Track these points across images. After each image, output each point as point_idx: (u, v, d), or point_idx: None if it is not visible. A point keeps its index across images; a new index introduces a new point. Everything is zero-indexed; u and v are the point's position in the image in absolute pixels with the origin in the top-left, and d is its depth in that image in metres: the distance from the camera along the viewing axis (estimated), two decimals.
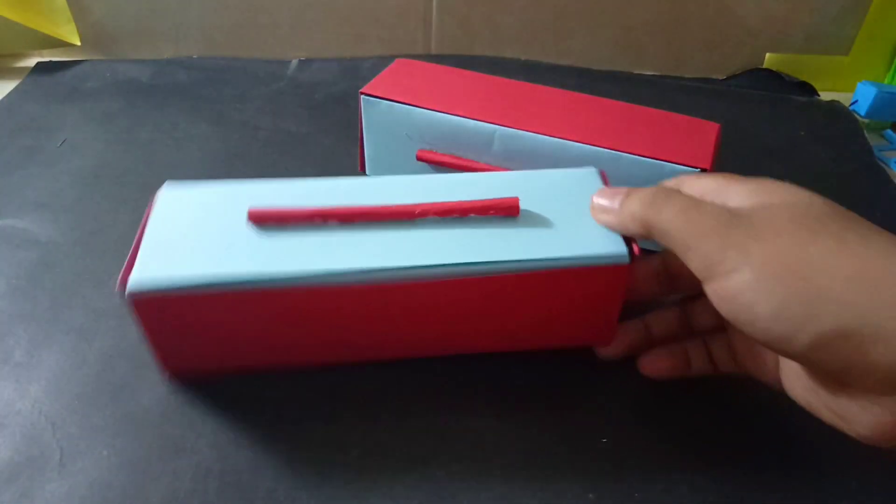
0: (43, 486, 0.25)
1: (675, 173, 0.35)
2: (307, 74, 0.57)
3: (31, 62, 0.57)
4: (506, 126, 0.37)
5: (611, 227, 0.26)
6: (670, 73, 0.60)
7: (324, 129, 0.49)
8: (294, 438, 0.27)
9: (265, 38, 0.59)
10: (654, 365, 0.29)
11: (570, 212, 0.27)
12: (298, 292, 0.25)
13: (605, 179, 0.30)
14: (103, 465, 0.26)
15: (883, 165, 0.48)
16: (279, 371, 0.29)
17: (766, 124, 0.52)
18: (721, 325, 0.29)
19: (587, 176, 0.30)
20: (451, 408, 0.29)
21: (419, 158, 0.40)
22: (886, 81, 0.59)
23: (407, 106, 0.39)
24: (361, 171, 0.44)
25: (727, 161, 0.47)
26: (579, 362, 0.31)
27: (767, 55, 0.59)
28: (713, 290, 0.22)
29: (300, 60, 0.59)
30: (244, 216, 0.27)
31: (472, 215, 0.27)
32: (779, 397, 0.30)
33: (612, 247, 0.26)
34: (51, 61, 0.57)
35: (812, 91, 0.58)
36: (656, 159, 0.35)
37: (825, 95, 0.57)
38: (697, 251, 0.22)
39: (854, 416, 0.21)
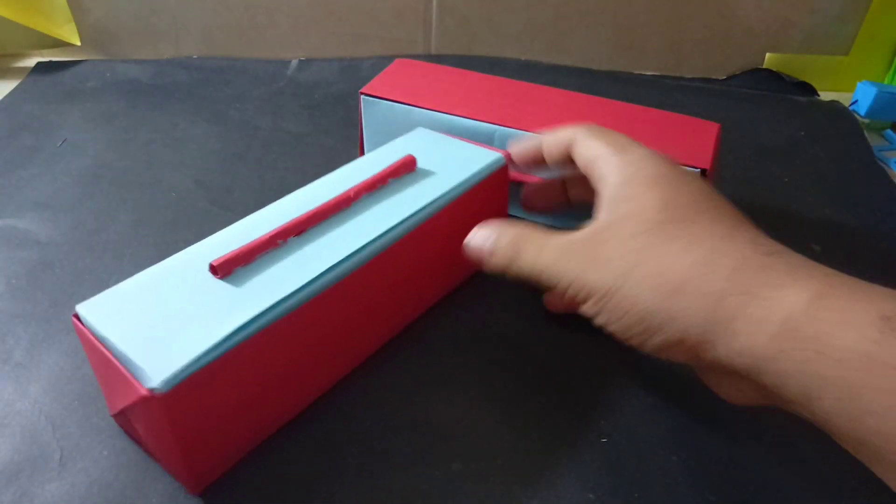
0: (43, 485, 0.25)
1: None
2: (307, 74, 0.57)
3: (32, 62, 0.58)
4: (505, 126, 0.37)
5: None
6: (670, 72, 0.60)
7: (324, 129, 0.49)
8: (294, 438, 0.27)
9: (265, 38, 0.59)
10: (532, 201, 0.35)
11: (444, 154, 0.33)
12: (300, 313, 0.25)
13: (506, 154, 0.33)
14: (103, 465, 0.26)
15: (883, 165, 0.48)
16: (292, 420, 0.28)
17: (766, 124, 0.52)
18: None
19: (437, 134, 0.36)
20: (450, 407, 0.29)
21: None
22: (886, 81, 0.59)
23: (407, 106, 0.39)
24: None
25: (727, 161, 0.47)
26: (580, 362, 0.31)
27: (767, 55, 0.59)
28: (583, 311, 0.25)
29: (300, 60, 0.59)
30: (205, 275, 0.25)
31: (389, 179, 0.31)
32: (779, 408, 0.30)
33: (489, 158, 0.33)
34: (51, 61, 0.57)
35: (812, 91, 0.58)
36: None
37: (825, 95, 0.57)
38: (561, 285, 0.25)
39: (723, 388, 0.24)
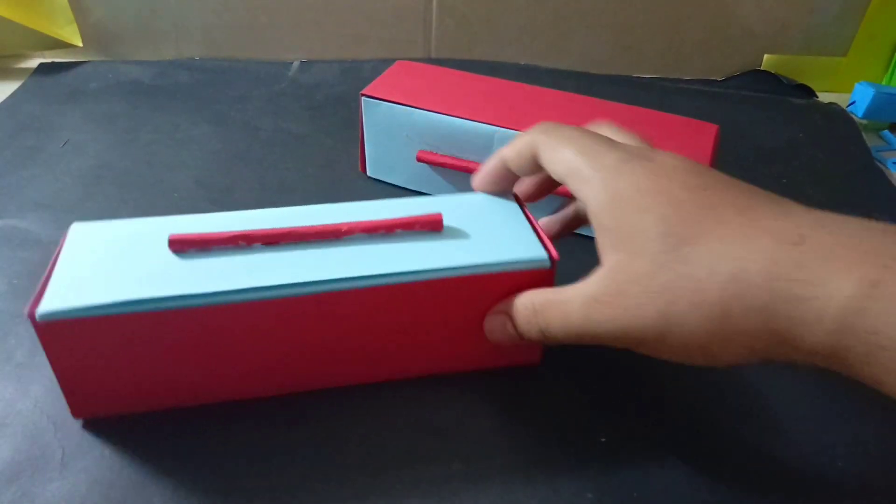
0: (44, 485, 0.25)
1: None
2: (308, 76, 0.57)
3: (34, 63, 0.58)
4: (505, 127, 0.37)
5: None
6: (669, 74, 0.60)
7: (324, 131, 0.49)
8: (294, 437, 0.27)
9: (266, 39, 0.59)
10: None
11: (490, 227, 0.28)
12: (222, 311, 0.24)
13: (522, 204, 0.30)
14: (104, 465, 0.26)
15: (881, 166, 0.48)
16: (195, 408, 0.28)
17: (765, 126, 0.52)
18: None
19: (503, 200, 0.30)
20: (450, 408, 0.29)
21: (419, 160, 0.40)
22: (884, 82, 0.59)
23: (407, 107, 0.39)
24: (362, 172, 0.45)
25: (726, 163, 0.47)
26: (579, 361, 0.31)
27: (766, 56, 0.59)
28: (639, 351, 0.24)
29: (301, 62, 0.59)
30: (164, 245, 0.26)
31: (398, 231, 0.27)
32: (779, 397, 0.30)
33: (532, 252, 0.27)
34: (53, 62, 0.58)
35: (810, 93, 0.58)
36: None
37: (823, 96, 0.57)
38: (606, 342, 0.24)
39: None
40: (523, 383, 0.30)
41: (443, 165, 0.40)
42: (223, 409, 0.28)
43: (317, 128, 0.50)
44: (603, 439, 0.28)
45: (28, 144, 0.46)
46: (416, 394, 0.29)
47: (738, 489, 0.26)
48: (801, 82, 0.58)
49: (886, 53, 0.59)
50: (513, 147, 0.28)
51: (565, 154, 0.25)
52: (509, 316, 0.26)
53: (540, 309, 0.25)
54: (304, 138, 0.48)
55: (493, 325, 0.27)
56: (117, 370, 0.26)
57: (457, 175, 0.40)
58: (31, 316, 0.23)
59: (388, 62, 0.45)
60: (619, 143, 0.26)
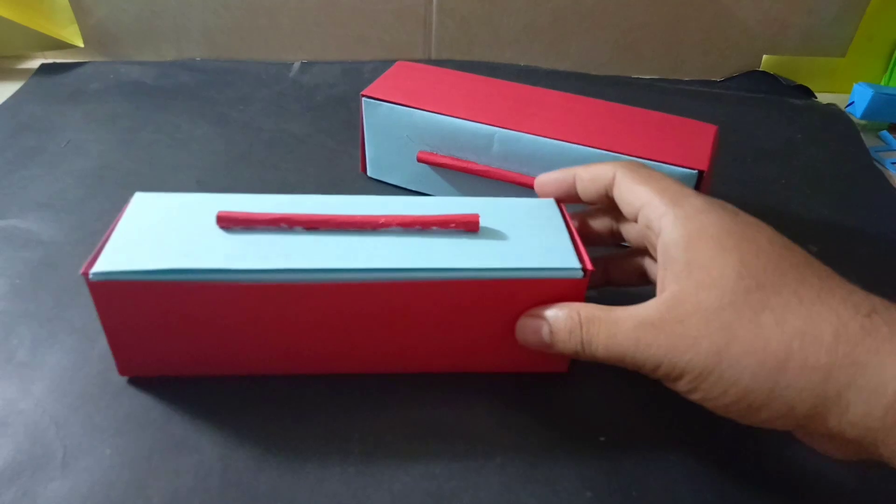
0: (45, 484, 0.25)
1: (673, 175, 0.35)
2: (309, 76, 0.57)
3: (35, 64, 0.58)
4: (505, 128, 0.38)
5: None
6: (668, 75, 0.60)
7: (325, 131, 0.50)
8: (295, 437, 0.27)
9: (267, 40, 0.59)
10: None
11: (526, 232, 0.28)
12: (260, 289, 0.26)
13: (563, 209, 0.30)
14: (106, 464, 0.26)
15: (879, 166, 0.49)
16: (236, 377, 0.29)
17: (764, 127, 0.53)
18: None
19: (545, 205, 0.31)
20: (450, 407, 0.29)
21: (420, 160, 0.40)
22: (883, 83, 0.59)
23: (408, 108, 0.39)
24: (363, 173, 0.45)
25: (725, 163, 0.47)
26: (579, 361, 0.31)
27: (764, 57, 0.59)
28: (675, 388, 0.24)
29: (302, 63, 0.59)
30: (213, 220, 0.28)
31: (434, 228, 0.28)
32: None
33: (566, 261, 0.27)
34: (54, 63, 0.58)
35: (809, 94, 0.58)
36: (654, 161, 0.35)
37: (822, 97, 0.58)
38: (647, 368, 0.23)
39: (825, 447, 0.23)
40: (523, 383, 0.30)
41: (443, 166, 0.40)
42: (223, 409, 0.28)
43: (317, 128, 0.50)
44: (602, 438, 0.28)
45: (29, 145, 0.46)
46: (417, 393, 0.29)
47: (739, 489, 0.26)
48: (800, 83, 0.58)
49: (885, 54, 0.59)
50: (589, 169, 0.28)
51: (642, 188, 0.25)
52: (548, 322, 0.26)
53: (586, 322, 0.24)
54: (304, 139, 0.49)
55: (527, 327, 0.27)
56: (160, 334, 0.28)
57: (457, 176, 0.40)
58: (86, 275, 0.25)
59: (388, 63, 0.45)
60: (696, 192, 0.25)
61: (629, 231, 0.30)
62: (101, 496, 0.25)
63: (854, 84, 0.55)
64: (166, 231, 0.28)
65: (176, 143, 0.47)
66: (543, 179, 0.30)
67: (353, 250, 0.27)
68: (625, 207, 0.26)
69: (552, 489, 0.26)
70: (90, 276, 0.26)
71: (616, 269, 0.31)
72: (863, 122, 0.54)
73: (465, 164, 0.39)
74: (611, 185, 0.27)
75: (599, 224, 0.31)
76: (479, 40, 0.59)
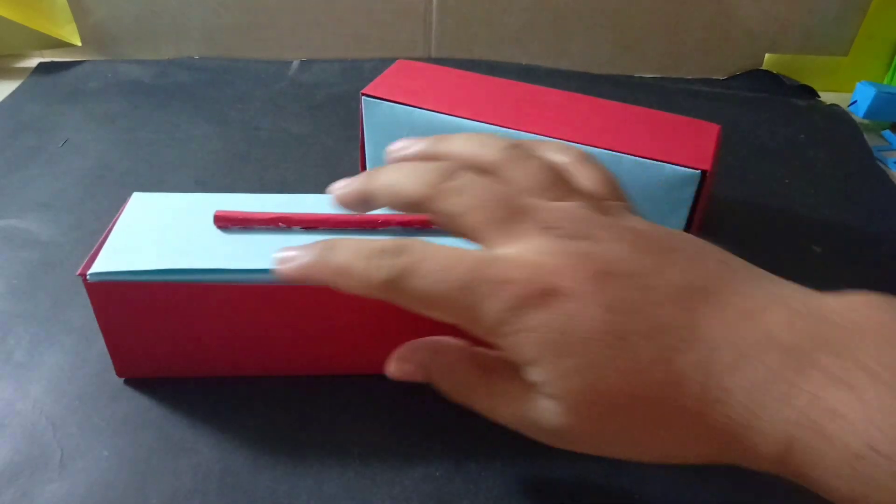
0: (43, 486, 0.25)
1: (675, 174, 0.35)
2: (308, 75, 0.57)
3: (33, 62, 0.58)
4: (506, 127, 0.37)
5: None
6: (670, 74, 0.60)
7: (325, 130, 0.49)
8: (294, 439, 0.27)
9: (266, 39, 0.59)
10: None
11: None
12: (257, 289, 0.26)
13: None
14: (104, 466, 0.26)
15: (882, 166, 0.48)
16: (234, 378, 0.29)
17: (767, 126, 0.52)
18: None
19: None
20: (450, 408, 0.29)
21: None
22: (885, 82, 0.59)
23: (408, 107, 0.39)
24: (363, 172, 0.45)
25: (727, 163, 0.47)
26: None
27: (767, 56, 0.59)
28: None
29: (301, 61, 0.59)
30: (211, 220, 0.28)
31: (435, 227, 0.28)
32: None
33: None
34: (52, 62, 0.57)
35: (812, 93, 0.58)
36: (657, 160, 0.35)
37: (824, 96, 0.57)
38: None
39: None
40: None
41: None
42: (221, 411, 0.28)
43: (317, 127, 0.50)
44: None
45: (28, 144, 0.46)
46: (417, 393, 0.29)
47: (740, 490, 0.26)
48: (803, 82, 0.58)
49: (887, 53, 0.59)
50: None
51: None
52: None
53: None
54: (304, 138, 0.48)
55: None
56: (158, 334, 0.27)
57: None
58: (83, 276, 0.25)
59: (388, 62, 0.44)
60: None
61: None
62: (99, 498, 0.25)
63: (857, 83, 0.54)
64: (164, 231, 0.27)
65: (175, 142, 0.47)
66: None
67: None
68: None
69: (554, 491, 0.26)
70: (87, 277, 0.25)
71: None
72: (865, 121, 0.54)
73: None
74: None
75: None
76: (479, 39, 0.59)
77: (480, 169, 0.22)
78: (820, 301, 0.19)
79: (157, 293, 0.26)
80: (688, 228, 0.37)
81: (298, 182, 0.44)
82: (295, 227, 0.28)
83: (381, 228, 0.28)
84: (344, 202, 0.23)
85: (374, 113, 0.41)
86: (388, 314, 0.27)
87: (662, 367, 0.18)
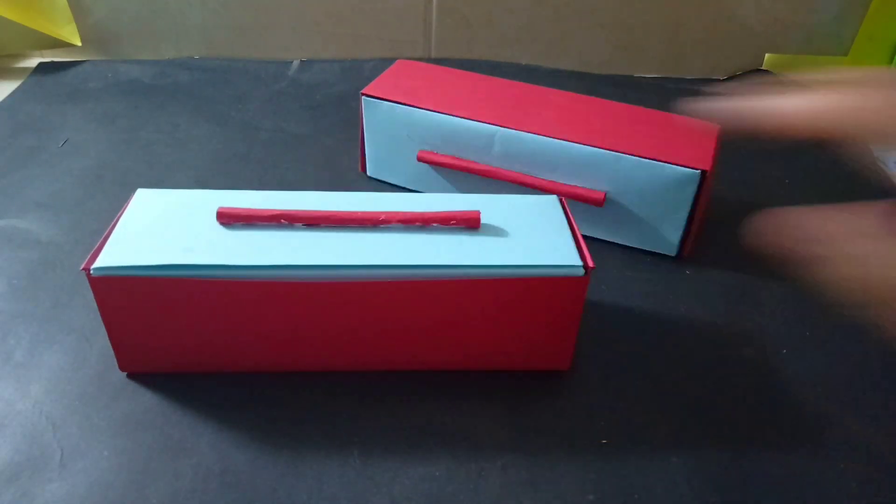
0: (43, 486, 0.25)
1: (675, 174, 0.35)
2: (308, 75, 0.57)
3: (33, 62, 0.58)
4: (507, 127, 0.37)
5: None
6: (670, 74, 0.60)
7: (325, 130, 0.49)
8: (294, 439, 0.27)
9: (266, 39, 0.59)
10: None
11: (528, 229, 0.28)
12: (260, 286, 0.26)
13: (565, 206, 0.30)
14: (104, 466, 0.26)
15: (882, 166, 0.48)
16: (235, 376, 0.29)
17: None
18: None
19: (547, 202, 0.30)
20: (450, 409, 0.29)
21: (420, 159, 0.40)
22: None
23: (408, 107, 0.39)
24: (362, 172, 0.45)
25: (727, 163, 0.47)
26: (580, 363, 0.31)
27: (767, 56, 0.59)
28: None
29: (301, 61, 0.59)
30: (213, 216, 0.28)
31: (435, 225, 0.28)
32: (780, 400, 0.30)
33: (567, 258, 0.27)
34: (52, 62, 0.57)
35: None
36: (657, 160, 0.35)
37: None
38: None
39: None
40: (525, 384, 0.30)
41: (443, 165, 0.40)
42: (221, 411, 0.28)
43: (317, 127, 0.50)
44: (604, 441, 0.28)
45: (28, 144, 0.46)
46: (418, 393, 0.29)
47: (740, 491, 0.26)
48: None
49: (887, 53, 0.59)
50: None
51: None
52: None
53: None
54: (303, 138, 0.48)
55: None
56: (160, 329, 0.28)
57: (457, 175, 0.40)
58: (87, 270, 0.26)
59: (388, 61, 0.45)
60: None
61: None
62: (99, 498, 0.25)
63: None
64: (167, 227, 0.28)
65: (174, 142, 0.47)
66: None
67: (353, 247, 0.27)
68: None
69: (554, 491, 0.26)
70: (91, 272, 0.26)
71: None
72: None
73: (465, 164, 0.39)
74: None
75: None
76: (479, 39, 0.59)
77: None
78: None
79: (160, 288, 0.26)
80: (688, 228, 0.37)
81: (298, 181, 0.44)
82: (297, 224, 0.28)
83: (382, 226, 0.28)
84: None
85: (374, 113, 0.41)
86: (389, 312, 0.28)
87: None
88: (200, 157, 0.46)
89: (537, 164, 0.37)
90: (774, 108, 0.19)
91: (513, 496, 0.25)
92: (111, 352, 0.30)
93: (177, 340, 0.28)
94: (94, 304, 0.33)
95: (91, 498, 0.25)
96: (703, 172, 0.34)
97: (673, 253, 0.38)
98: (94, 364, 0.30)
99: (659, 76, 0.60)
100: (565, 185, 0.37)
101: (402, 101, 0.39)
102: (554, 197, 0.31)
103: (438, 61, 0.58)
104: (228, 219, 0.28)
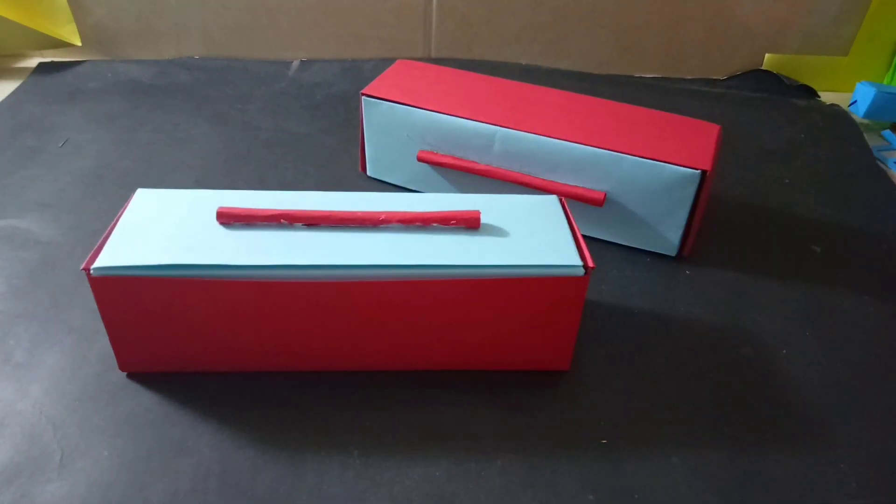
0: (43, 486, 0.25)
1: (675, 174, 0.35)
2: (308, 75, 0.57)
3: (33, 62, 0.58)
4: (507, 127, 0.37)
5: None
6: (670, 74, 0.60)
7: (325, 130, 0.49)
8: (294, 439, 0.27)
9: (266, 38, 0.59)
10: None
11: (528, 229, 0.28)
12: (259, 285, 0.26)
13: (565, 206, 0.30)
14: (104, 466, 0.26)
15: (882, 166, 0.48)
16: (234, 375, 0.29)
17: (767, 126, 0.52)
18: None
19: (547, 202, 0.30)
20: (451, 407, 0.29)
21: (420, 159, 0.40)
22: (885, 82, 0.59)
23: (408, 107, 0.39)
24: (362, 172, 0.45)
25: (728, 163, 0.47)
26: (580, 364, 0.31)
27: (767, 56, 0.59)
28: None
29: (301, 61, 0.59)
30: (213, 216, 0.28)
31: (435, 224, 0.28)
32: (780, 401, 0.30)
33: (567, 258, 0.27)
34: (52, 62, 0.57)
35: (812, 93, 0.58)
36: (657, 160, 0.35)
37: (824, 96, 0.57)
38: None
39: None
40: (525, 384, 0.30)
41: (443, 165, 0.40)
42: (221, 411, 0.28)
43: (317, 127, 0.50)
44: (604, 441, 0.28)
45: (28, 144, 0.46)
46: (417, 393, 0.29)
47: (740, 491, 0.26)
48: (803, 82, 0.58)
49: (887, 53, 0.59)
50: None
51: None
52: None
53: None
54: (303, 138, 0.48)
55: None
56: (160, 329, 0.28)
57: (457, 175, 0.40)
58: (87, 270, 0.26)
59: (388, 61, 0.45)
60: None
61: None
62: (99, 498, 0.25)
63: (857, 83, 0.54)
64: (167, 227, 0.28)
65: (174, 142, 0.47)
66: None
67: (353, 247, 0.27)
68: None
69: (553, 491, 0.26)
70: (91, 272, 0.26)
71: None
72: (865, 121, 0.54)
73: (465, 164, 0.39)
74: None
75: None
76: (479, 39, 0.59)
77: None
78: None
79: (160, 288, 0.26)
80: (688, 228, 0.37)
81: (298, 181, 0.44)
82: (297, 224, 0.28)
83: (382, 226, 0.28)
84: None
85: (374, 113, 0.41)
86: (389, 312, 0.28)
87: None
88: (200, 156, 0.46)
89: (537, 164, 0.37)
90: None
91: (512, 496, 0.25)
92: (111, 352, 0.30)
93: (177, 340, 0.28)
94: (94, 304, 0.33)
95: (91, 498, 0.25)
96: (704, 172, 0.34)
97: (673, 253, 0.38)
98: (94, 364, 0.30)
99: (659, 76, 0.60)
100: (565, 185, 0.37)
101: (402, 101, 0.39)
102: (554, 197, 0.31)
103: (438, 61, 0.58)
104: (228, 219, 0.28)
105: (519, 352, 0.29)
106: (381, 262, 0.26)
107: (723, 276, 0.37)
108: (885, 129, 0.53)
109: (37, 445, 0.27)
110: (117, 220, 0.28)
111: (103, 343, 0.31)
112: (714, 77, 0.60)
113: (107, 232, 0.27)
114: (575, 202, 0.37)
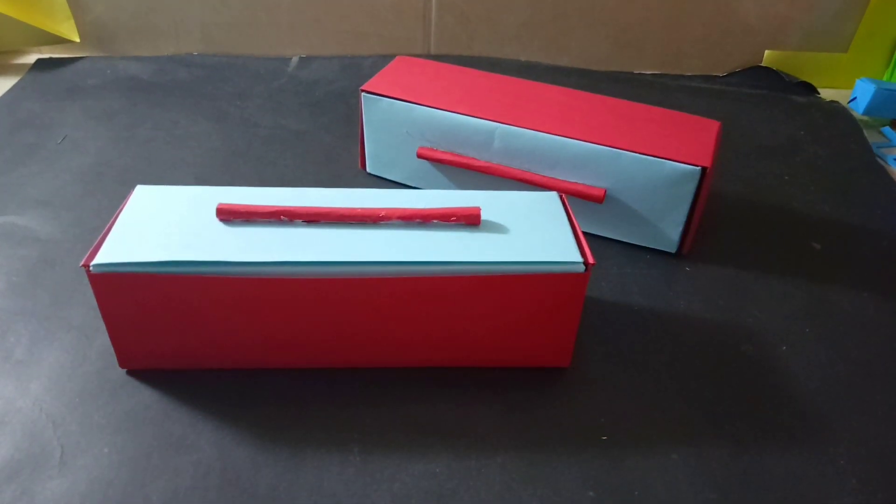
0: (44, 483, 0.25)
1: (675, 171, 0.35)
2: (308, 72, 0.57)
3: (32, 59, 0.57)
4: (507, 124, 0.37)
5: None
6: (669, 70, 0.60)
7: (324, 127, 0.49)
8: (294, 435, 0.27)
9: (265, 35, 0.59)
10: None
11: (528, 226, 0.28)
12: (259, 282, 0.26)
13: (565, 203, 0.30)
14: (104, 463, 0.26)
15: (881, 162, 0.48)
16: (234, 372, 0.29)
17: (767, 123, 0.52)
18: None
19: (547, 198, 0.30)
20: (451, 404, 0.29)
21: (419, 156, 0.40)
22: (885, 78, 0.59)
23: (407, 103, 0.39)
24: (362, 169, 0.44)
25: (727, 159, 0.47)
26: (580, 363, 0.31)
27: (766, 52, 0.59)
28: None
29: (300, 58, 0.59)
30: (213, 213, 0.28)
31: (435, 221, 0.28)
32: (780, 399, 0.30)
33: (567, 254, 0.27)
34: (51, 58, 0.57)
35: (812, 90, 0.58)
36: (657, 157, 0.35)
37: (824, 93, 0.57)
38: None
39: None
40: (525, 381, 0.30)
41: (443, 162, 0.40)
42: (222, 409, 0.28)
43: (316, 124, 0.50)
44: (604, 438, 0.28)
45: (27, 141, 0.46)
46: (418, 390, 0.29)
47: (740, 488, 0.26)
48: (803, 79, 0.58)
49: (887, 50, 0.58)
50: None
51: None
52: None
53: None
54: (303, 135, 0.48)
55: None
56: (160, 326, 0.28)
57: (457, 172, 0.40)
58: (87, 267, 0.26)
59: (387, 58, 0.44)
60: None
61: None
62: (99, 495, 0.25)
63: (856, 80, 0.54)
64: (167, 224, 0.28)
65: (173, 139, 0.47)
66: None
67: (353, 243, 0.27)
68: None
69: (554, 488, 0.26)
70: (91, 268, 0.26)
71: None
72: (865, 117, 0.54)
73: (465, 160, 0.39)
74: None
75: None
76: (479, 35, 0.59)
77: None
78: None
79: (160, 285, 0.26)
80: (687, 225, 0.37)
81: (297, 179, 0.44)
82: (297, 221, 0.28)
83: (382, 222, 0.28)
84: None
85: (373, 109, 0.41)
86: (389, 309, 0.28)
87: None
88: (200, 153, 0.46)
89: (537, 160, 0.37)
90: None
91: (513, 493, 0.26)
92: (111, 349, 0.30)
93: (177, 337, 0.28)
94: (94, 301, 0.33)
95: (91, 495, 0.25)
96: (704, 169, 0.34)
97: (673, 249, 0.38)
98: (93, 361, 0.30)
99: (659, 73, 0.60)
100: (565, 181, 0.37)
101: (402, 98, 0.39)
102: (554, 193, 0.31)
103: (438, 58, 0.57)
104: (228, 215, 0.28)
105: (519, 348, 0.29)
106: (382, 259, 0.26)
107: (723, 272, 0.37)
108: (884, 125, 0.53)
109: (37, 443, 0.27)
110: (117, 217, 0.28)
111: (103, 340, 0.31)
112: (714, 74, 0.60)
113: (106, 229, 0.27)
114: (575, 199, 0.37)
